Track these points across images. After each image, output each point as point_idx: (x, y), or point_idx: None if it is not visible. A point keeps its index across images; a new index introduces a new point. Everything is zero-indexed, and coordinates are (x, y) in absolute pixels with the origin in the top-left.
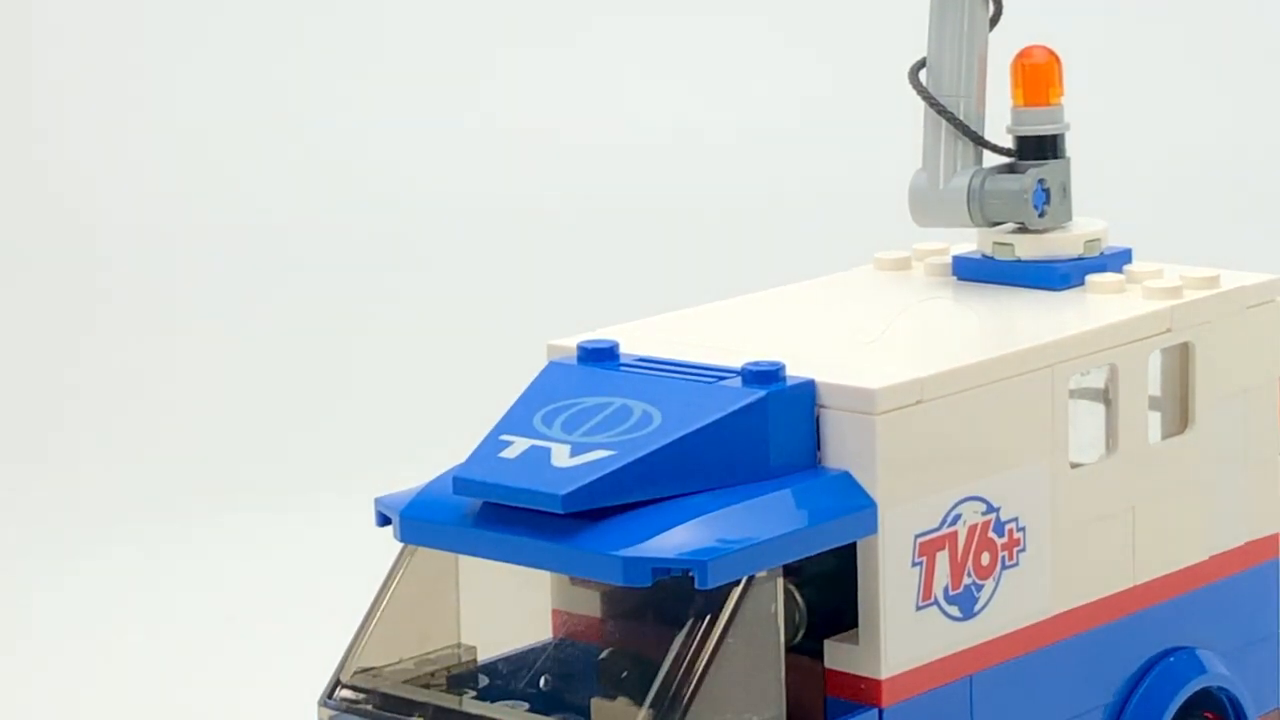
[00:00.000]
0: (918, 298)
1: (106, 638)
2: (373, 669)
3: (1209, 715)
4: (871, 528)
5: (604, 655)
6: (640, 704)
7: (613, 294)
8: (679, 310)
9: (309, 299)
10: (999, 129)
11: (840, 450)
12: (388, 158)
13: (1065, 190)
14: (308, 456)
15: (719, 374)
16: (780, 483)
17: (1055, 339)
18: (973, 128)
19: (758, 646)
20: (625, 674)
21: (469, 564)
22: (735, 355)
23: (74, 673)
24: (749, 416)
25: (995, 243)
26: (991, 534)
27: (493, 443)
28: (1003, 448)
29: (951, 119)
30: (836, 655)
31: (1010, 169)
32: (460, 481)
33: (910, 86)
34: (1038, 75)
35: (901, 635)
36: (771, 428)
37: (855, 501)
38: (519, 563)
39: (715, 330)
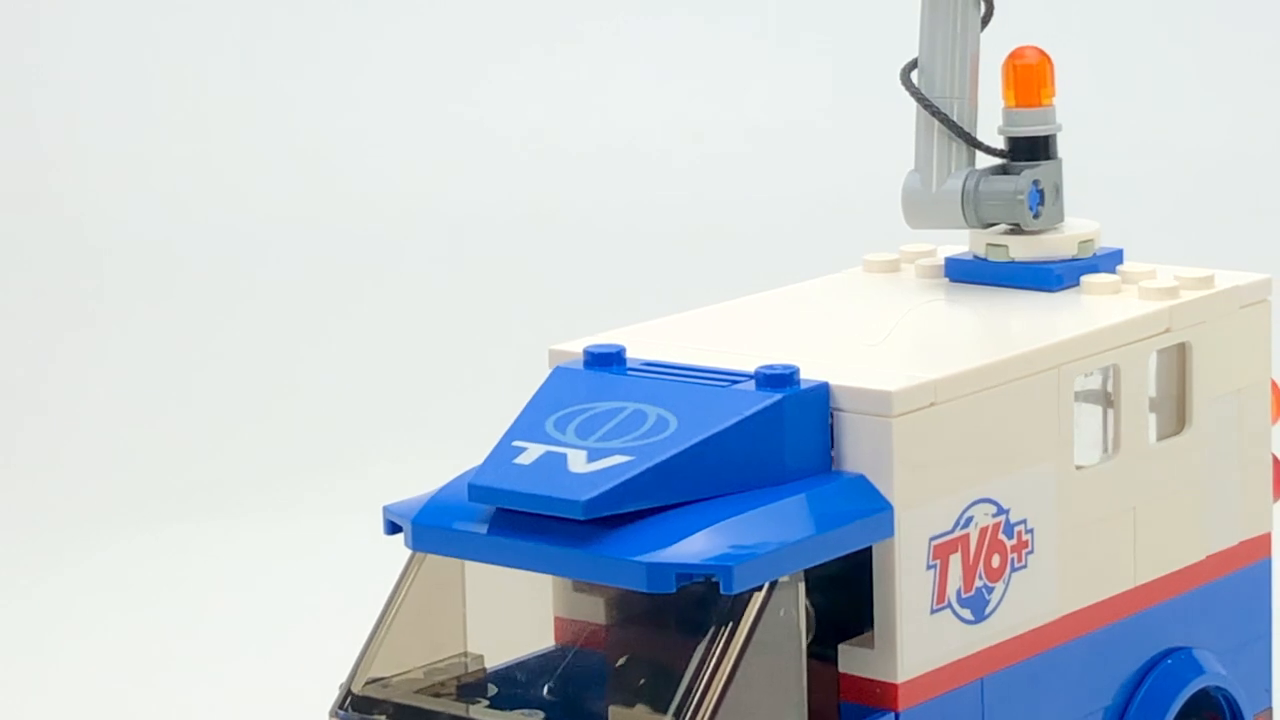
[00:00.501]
0: (917, 300)
1: (108, 646)
2: (382, 679)
3: (1211, 716)
4: (888, 531)
5: (620, 663)
6: (663, 712)
7: (598, 297)
8: (673, 314)
9: (309, 300)
10: (989, 130)
11: (855, 453)
12: (387, 160)
13: (1058, 191)
14: (307, 463)
15: (731, 378)
16: (797, 486)
17: (1062, 340)
18: (965, 129)
19: (780, 652)
20: (643, 681)
21: (474, 571)
22: (743, 359)
23: (76, 679)
24: (765, 420)
25: (989, 244)
26: (1001, 536)
27: (506, 449)
28: (1012, 449)
29: (945, 120)
30: (851, 659)
31: (1003, 170)
32: (476, 489)
33: (902, 87)
34: (1029, 76)
35: (917, 639)
36: (787, 431)
37: (873, 505)
38: (538, 570)
39: (717, 334)
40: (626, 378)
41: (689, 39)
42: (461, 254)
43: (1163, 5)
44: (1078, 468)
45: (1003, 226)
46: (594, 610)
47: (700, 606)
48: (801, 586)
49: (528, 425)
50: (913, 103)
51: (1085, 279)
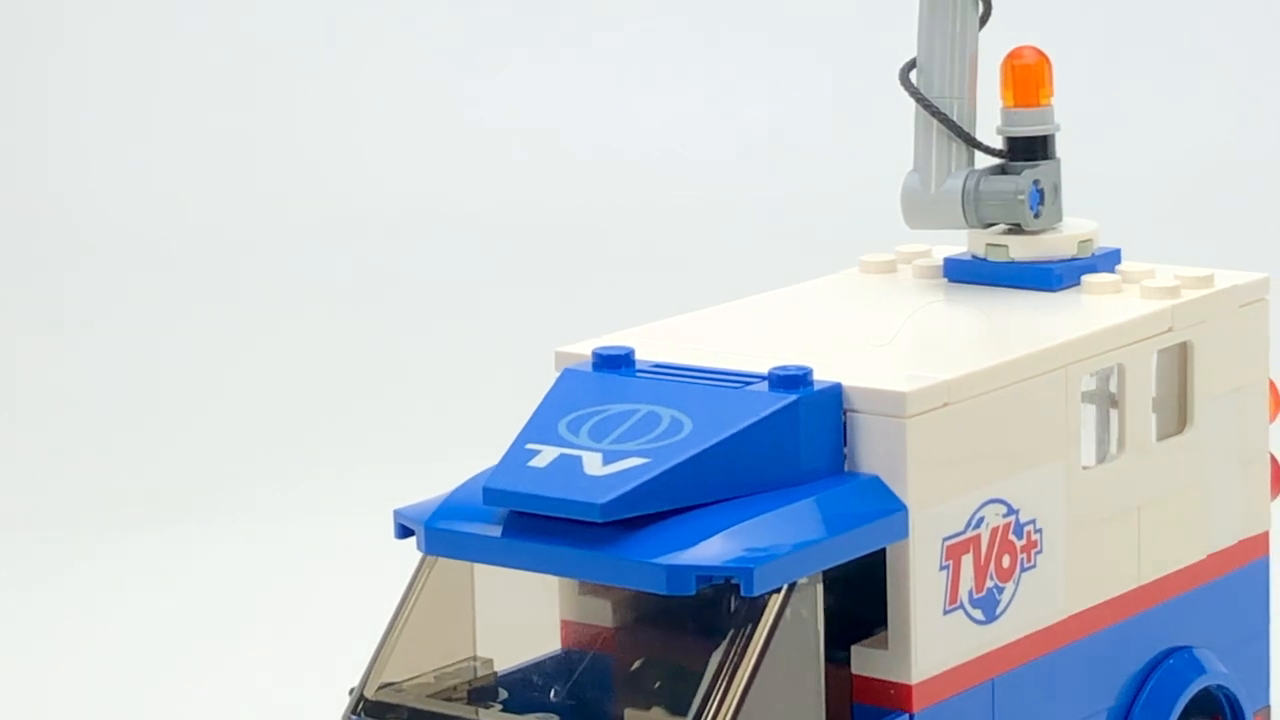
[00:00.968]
0: (919, 300)
1: (116, 649)
2: (394, 683)
3: (1213, 715)
4: (903, 532)
5: (634, 666)
6: (682, 715)
7: (598, 298)
8: (674, 315)
9: (317, 302)
10: (988, 130)
11: (869, 454)
12: (393, 163)
13: (1056, 191)
14: (315, 466)
15: (744, 379)
16: (812, 488)
17: (1069, 340)
18: (965, 129)
19: (798, 654)
20: (657, 684)
21: (484, 575)
22: (752, 360)
23: (84, 682)
24: (780, 421)
25: (988, 244)
26: (1011, 536)
27: (520, 452)
28: (1021, 449)
29: (944, 120)
30: (865, 661)
31: (1001, 170)
32: (492, 492)
33: (901, 87)
34: (1028, 76)
35: (930, 639)
36: (802, 432)
37: (888, 506)
38: (554, 573)
39: (723, 335)
40: (637, 379)
41: (689, 41)
42: (465, 256)
43: (1161, 5)
44: (1084, 468)
45: (1002, 226)
46: (602, 613)
47: (714, 609)
48: (820, 588)
49: (540, 428)
50: (911, 103)
51: (1086, 279)
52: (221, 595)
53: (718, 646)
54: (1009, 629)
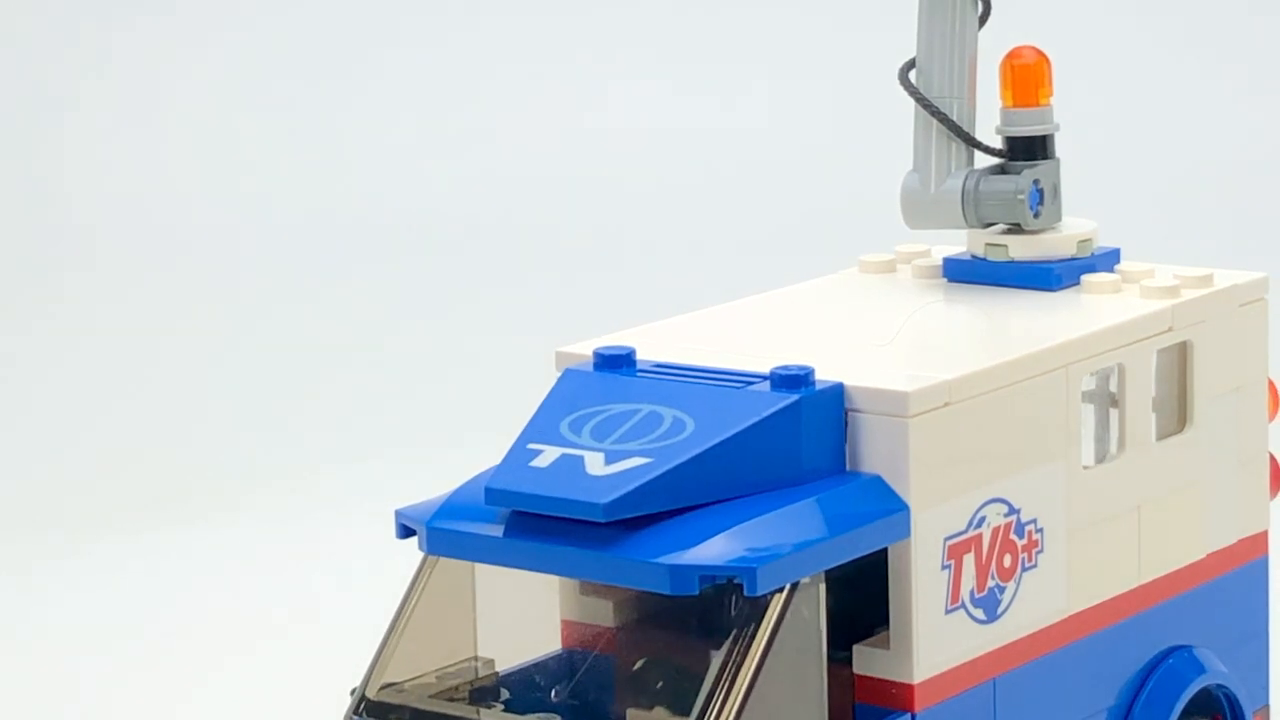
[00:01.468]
0: (919, 300)
1: (117, 650)
2: (396, 684)
3: (1213, 714)
4: (905, 531)
5: (635, 666)
6: (684, 715)
7: (597, 299)
8: (674, 315)
9: (319, 303)
10: (987, 130)
11: (871, 454)
12: (393, 164)
13: (1056, 190)
14: (316, 467)
15: (745, 379)
16: (814, 487)
17: (1070, 339)
18: (964, 128)
19: (801, 654)
20: (659, 684)
21: (485, 575)
22: (753, 359)
23: (83, 683)
24: (782, 421)
25: (988, 244)
26: (1013, 535)
27: (522, 452)
28: (1022, 449)
29: (944, 120)
30: (866, 660)
31: (1001, 170)
32: (494, 492)
33: (901, 87)
34: (1027, 76)
35: (932, 639)
36: (804, 432)
37: (890, 505)
38: (557, 573)
39: (723, 335)
40: (639, 379)
41: (689, 41)
42: (465, 256)
43: (1161, 5)
44: (1084, 467)
45: (1001, 226)
46: (602, 613)
47: (715, 609)
48: (822, 587)
49: (542, 428)
50: (911, 103)
51: (1086, 278)
52: (222, 595)
53: (720, 646)
54: (1010, 628)
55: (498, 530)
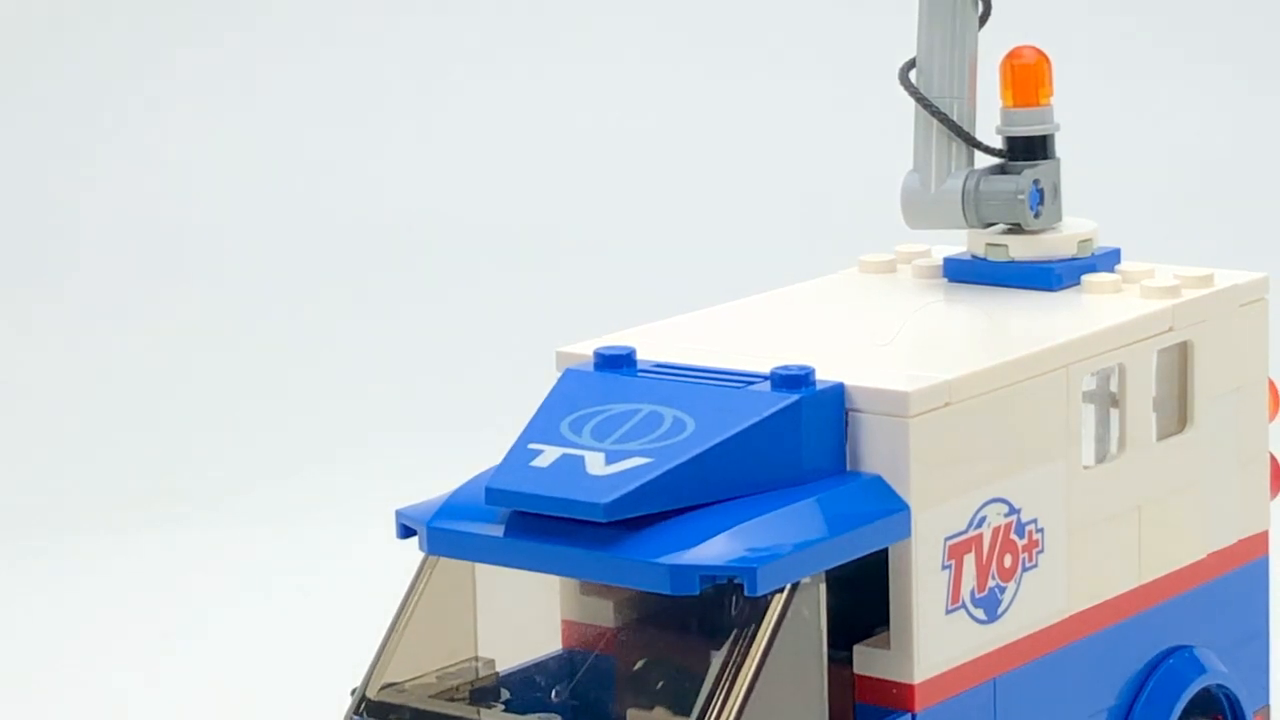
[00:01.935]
0: (920, 300)
1: (117, 651)
2: (396, 684)
3: (1213, 715)
4: (906, 531)
5: (636, 666)
6: (685, 715)
7: (596, 299)
8: (674, 315)
9: (319, 304)
10: (987, 130)
11: (871, 453)
12: (392, 163)
13: (1056, 190)
14: (316, 467)
15: (746, 379)
16: (815, 487)
17: (1071, 339)
18: (964, 128)
19: (801, 654)
20: (660, 685)
21: (485, 575)
22: (754, 359)
23: (81, 684)
24: (783, 421)
25: (988, 244)
26: (1013, 536)
27: (522, 451)
28: (1023, 449)
29: (944, 120)
30: (867, 660)
31: (1001, 170)
32: (494, 492)
33: (901, 87)
34: (1027, 76)
35: (932, 639)
36: (804, 432)
37: (890, 505)
38: (557, 573)
39: (724, 335)
40: (639, 379)
41: (689, 41)
42: (466, 256)
43: (1161, 5)
44: (1085, 467)
45: (1001, 226)
46: (603, 613)
47: (715, 609)
48: (822, 587)
49: (542, 427)
50: (911, 103)
51: (1086, 278)
52: (223, 595)
53: (720, 646)
54: (1010, 628)
55: (498, 530)
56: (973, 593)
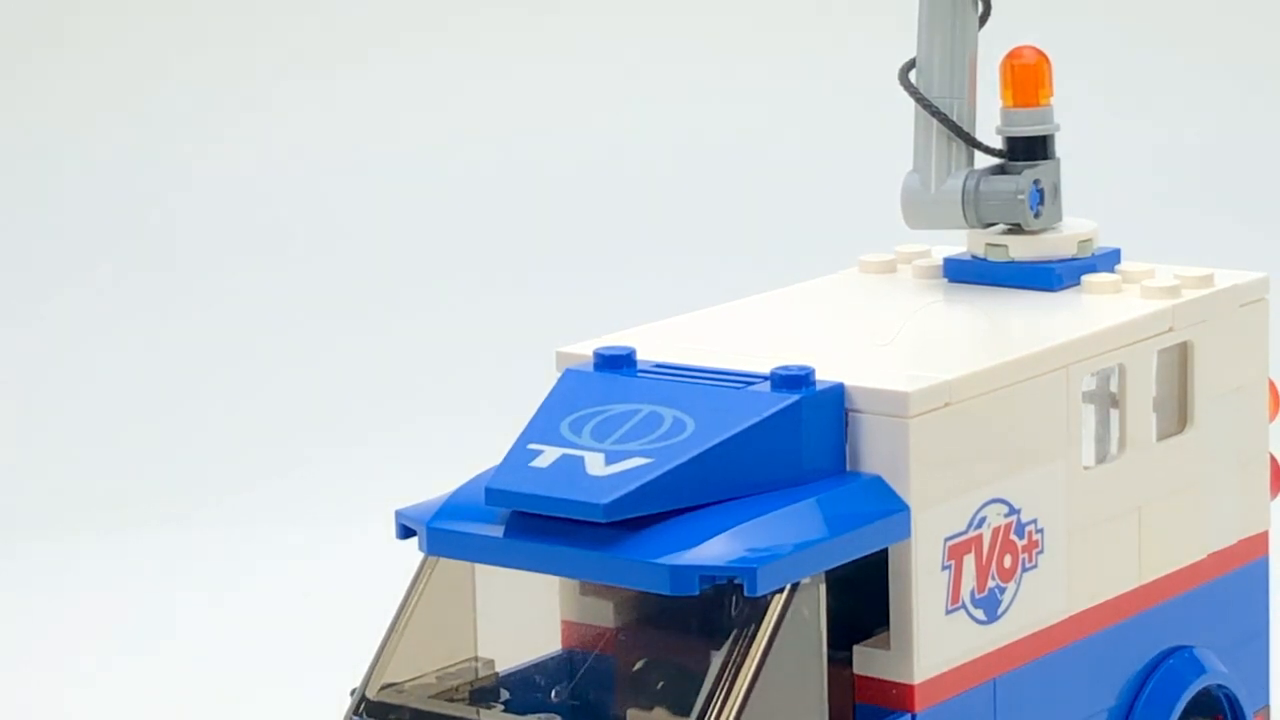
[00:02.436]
0: (920, 300)
1: (115, 651)
2: (396, 684)
3: (1214, 715)
4: (906, 532)
5: (635, 666)
6: (685, 715)
7: (596, 299)
8: (674, 315)
9: (317, 304)
10: (987, 130)
11: (871, 454)
12: (390, 163)
13: (1056, 190)
14: (316, 467)
15: (746, 379)
16: (815, 488)
17: (1071, 340)
18: (964, 129)
19: (801, 655)
20: (660, 685)
21: (485, 575)
22: (754, 360)
23: (79, 685)
24: (783, 421)
25: (988, 244)
26: (1013, 536)
27: (522, 452)
28: (1023, 449)
29: (944, 120)
30: (867, 661)
31: (1001, 170)
32: (494, 492)
33: (901, 87)
34: (1028, 76)
35: (932, 640)
36: (804, 432)
37: (890, 505)
38: (557, 573)
39: (724, 335)
40: (639, 380)
41: (689, 41)
42: (465, 256)
43: (1161, 5)
44: (1085, 468)
45: (1002, 226)
46: (602, 614)
47: (715, 609)
48: (822, 588)
49: (542, 428)
50: (911, 103)
51: (1086, 278)
52: (223, 595)
53: (720, 647)
54: (1010, 629)
55: (498, 531)
56: (973, 593)
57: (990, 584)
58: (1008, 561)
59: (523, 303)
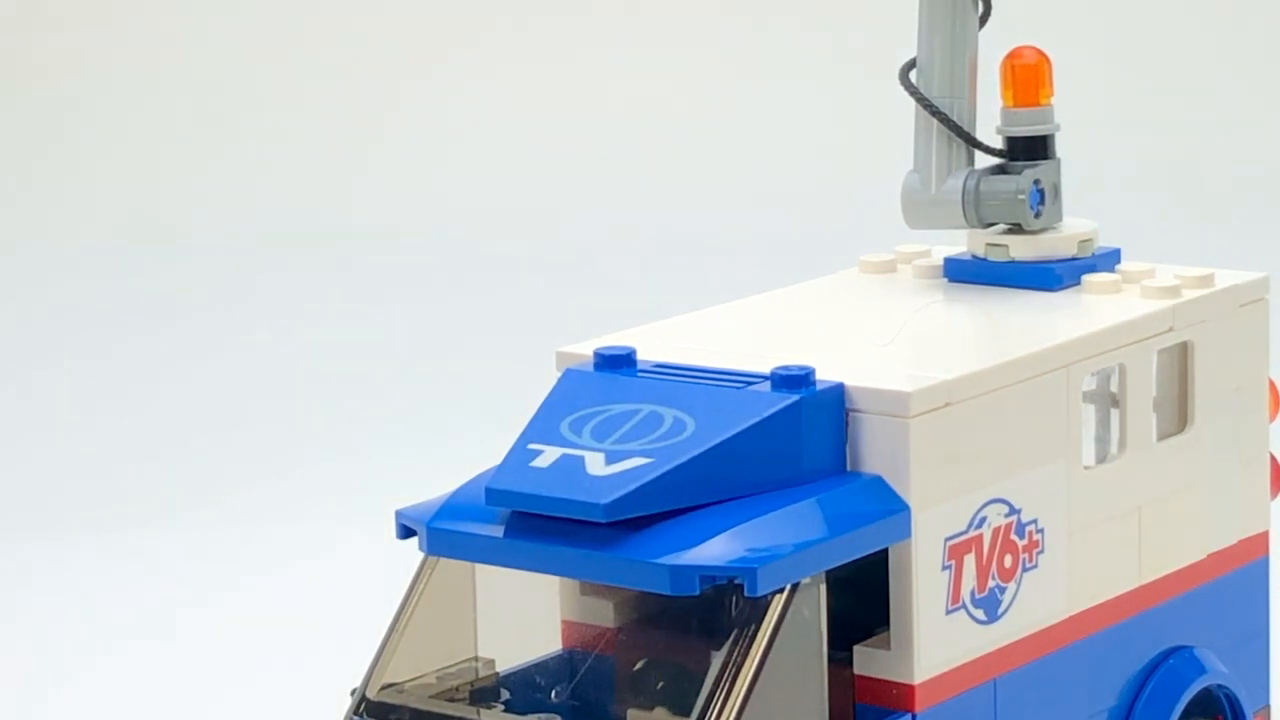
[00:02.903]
0: (920, 300)
1: (115, 651)
2: (396, 684)
3: (1214, 715)
4: (906, 532)
5: (636, 667)
6: (685, 716)
7: (596, 299)
8: (674, 315)
9: (317, 303)
10: (987, 130)
11: (871, 454)
12: (389, 163)
13: (1057, 190)
14: (316, 468)
15: (746, 379)
16: (815, 488)
17: (1071, 339)
18: (965, 129)
19: (801, 655)
20: (660, 685)
21: (485, 575)
22: (754, 360)
23: (80, 685)
24: (783, 421)
25: (988, 244)
26: (1013, 536)
27: (522, 452)
28: (1023, 449)
29: (945, 120)
30: (867, 661)
31: (1002, 170)
32: (494, 492)
33: (901, 87)
34: (1028, 76)
35: (933, 640)
36: (804, 432)
37: (890, 505)
38: (557, 573)
39: (724, 335)
40: (639, 379)
41: (689, 41)
42: (465, 256)
43: (1161, 5)
44: (1085, 468)
45: (1002, 226)
46: (603, 614)
47: (716, 609)
48: (823, 588)
49: (542, 428)
50: (911, 103)
51: (1086, 278)
52: (222, 595)
53: (720, 647)
54: (1011, 629)
55: (498, 531)
56: (973, 593)
57: (990, 584)
58: (1008, 561)
59: (523, 303)
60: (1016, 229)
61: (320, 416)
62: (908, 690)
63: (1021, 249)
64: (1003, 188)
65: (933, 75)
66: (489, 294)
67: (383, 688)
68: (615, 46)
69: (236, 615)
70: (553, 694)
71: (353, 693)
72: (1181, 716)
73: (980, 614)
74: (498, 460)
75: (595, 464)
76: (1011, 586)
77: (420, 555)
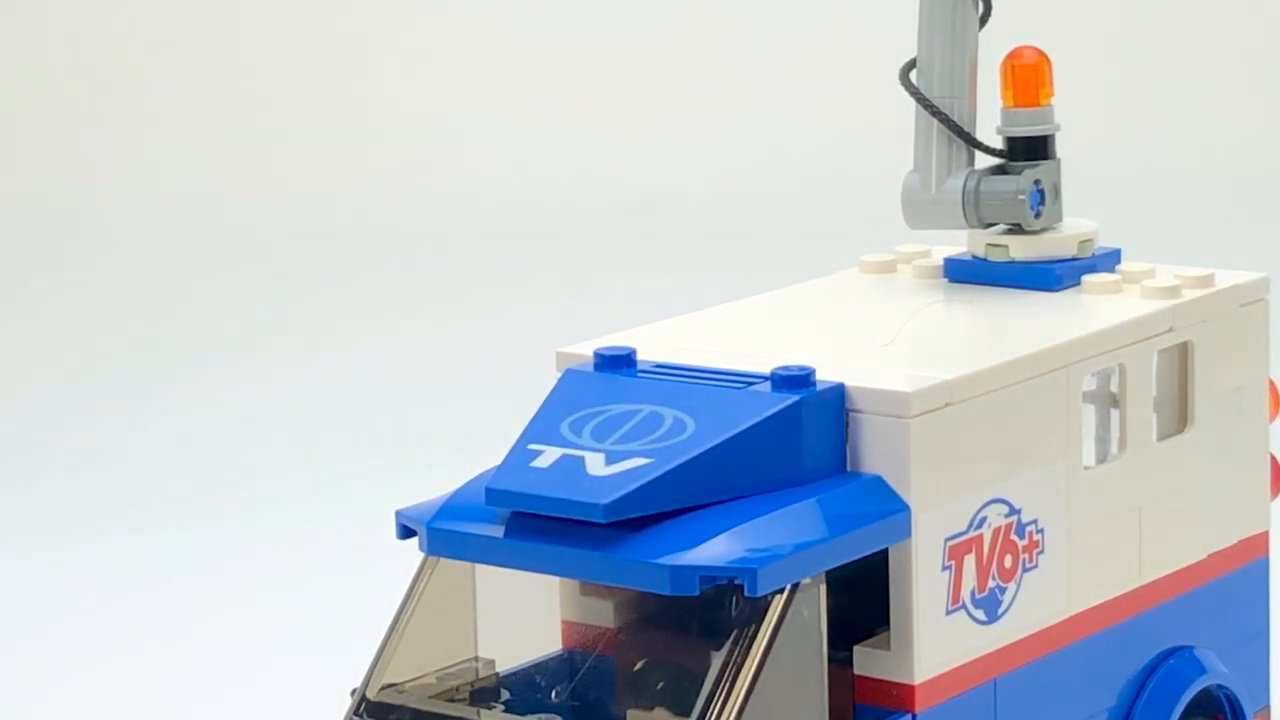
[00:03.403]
0: (920, 300)
1: (116, 652)
2: (396, 684)
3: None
4: (906, 532)
5: (636, 667)
6: (685, 716)
7: (595, 299)
8: (674, 315)
9: (317, 303)
10: (987, 130)
11: (871, 454)
12: (387, 162)
13: (1057, 191)
14: (316, 468)
15: (746, 379)
16: (815, 488)
17: (1071, 340)
18: (965, 129)
19: (801, 655)
20: (660, 685)
21: (485, 576)
22: (754, 360)
23: (80, 685)
24: (783, 422)
25: (989, 244)
26: (1013, 536)
27: (522, 452)
28: (1023, 449)
29: (945, 120)
30: (867, 661)
31: (1002, 170)
32: (494, 493)
33: (901, 87)
34: (1028, 76)
35: (933, 640)
36: (805, 433)
37: (891, 506)
38: (557, 573)
39: (724, 335)
40: (639, 380)
41: (689, 42)
42: (465, 255)
43: (1161, 5)
44: (1085, 468)
45: (1002, 226)
46: (603, 614)
47: (716, 609)
48: (823, 588)
49: (542, 428)
50: (911, 103)
51: (1086, 279)
52: (222, 596)
53: (720, 647)
54: (1011, 629)
55: (498, 531)
56: (973, 593)
57: (991, 584)
58: (1008, 561)
59: (523, 303)
60: (1016, 229)
61: (320, 416)
62: (908, 690)
63: (1021, 249)
64: (1003, 188)
65: (933, 75)
66: (489, 294)
67: (383, 688)
68: (615, 47)
69: (236, 615)
70: (553, 694)
71: (353, 693)
72: (1181, 717)
73: (980, 614)
74: (498, 460)
75: (595, 464)
76: (1011, 587)
77: (420, 555)
